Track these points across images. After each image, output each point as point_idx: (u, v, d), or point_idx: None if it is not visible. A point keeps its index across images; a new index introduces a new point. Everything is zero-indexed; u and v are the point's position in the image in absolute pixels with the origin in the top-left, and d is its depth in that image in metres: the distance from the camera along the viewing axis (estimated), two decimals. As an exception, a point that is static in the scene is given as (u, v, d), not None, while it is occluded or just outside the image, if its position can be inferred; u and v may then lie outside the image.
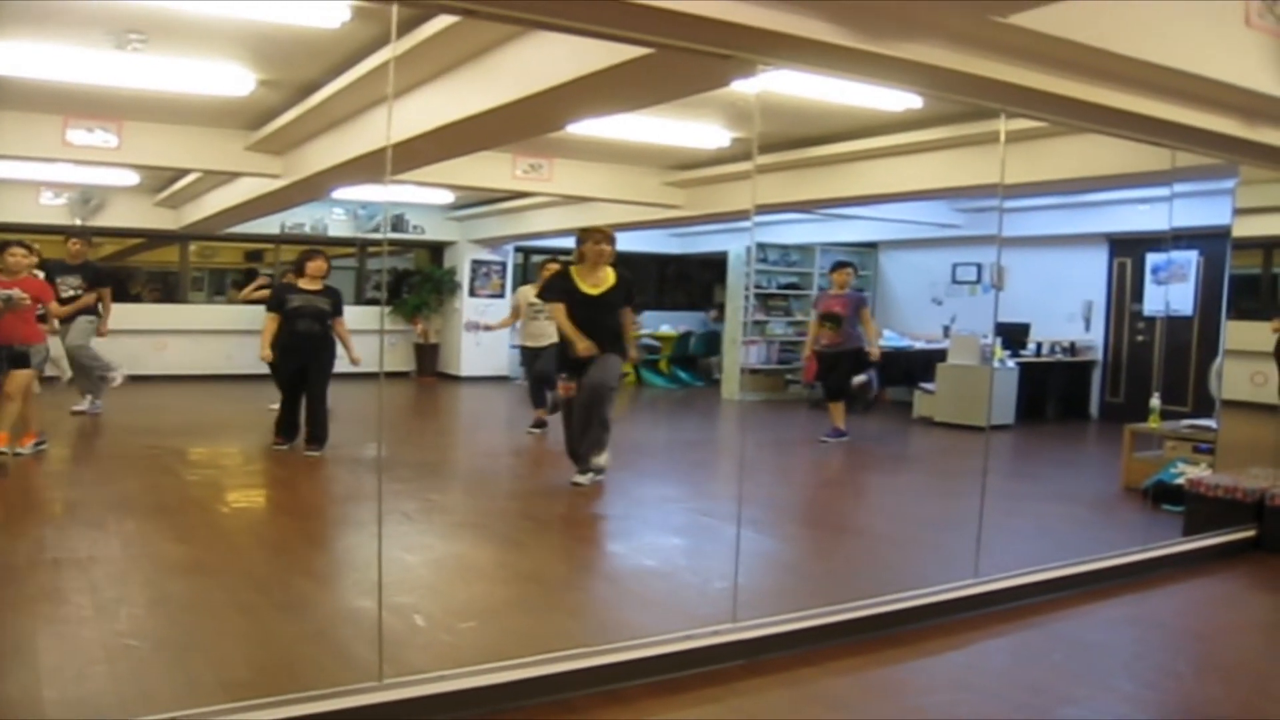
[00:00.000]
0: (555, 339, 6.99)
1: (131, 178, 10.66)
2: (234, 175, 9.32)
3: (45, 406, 7.61)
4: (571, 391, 6.46)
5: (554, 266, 7.99)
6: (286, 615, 4.10)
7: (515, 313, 9.21)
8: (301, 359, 7.48)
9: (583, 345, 6.27)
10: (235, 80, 6.23)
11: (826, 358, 9.17)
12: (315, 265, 7.61)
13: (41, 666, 3.36)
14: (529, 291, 8.78)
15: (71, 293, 8.69)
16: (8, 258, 6.85)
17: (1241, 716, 3.41)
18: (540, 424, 8.93)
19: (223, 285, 15.41)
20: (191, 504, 6.18)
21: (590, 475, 6.50)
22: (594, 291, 6.43)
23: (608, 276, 6.49)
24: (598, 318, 6.41)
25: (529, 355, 9.01)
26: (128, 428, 9.05)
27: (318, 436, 7.54)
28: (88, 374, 8.97)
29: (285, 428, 7.69)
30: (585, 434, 6.47)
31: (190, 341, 13.18)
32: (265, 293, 9.45)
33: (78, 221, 12.09)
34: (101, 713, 2.95)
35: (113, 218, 12.64)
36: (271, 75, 6.31)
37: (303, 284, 7.60)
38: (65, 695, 3.13)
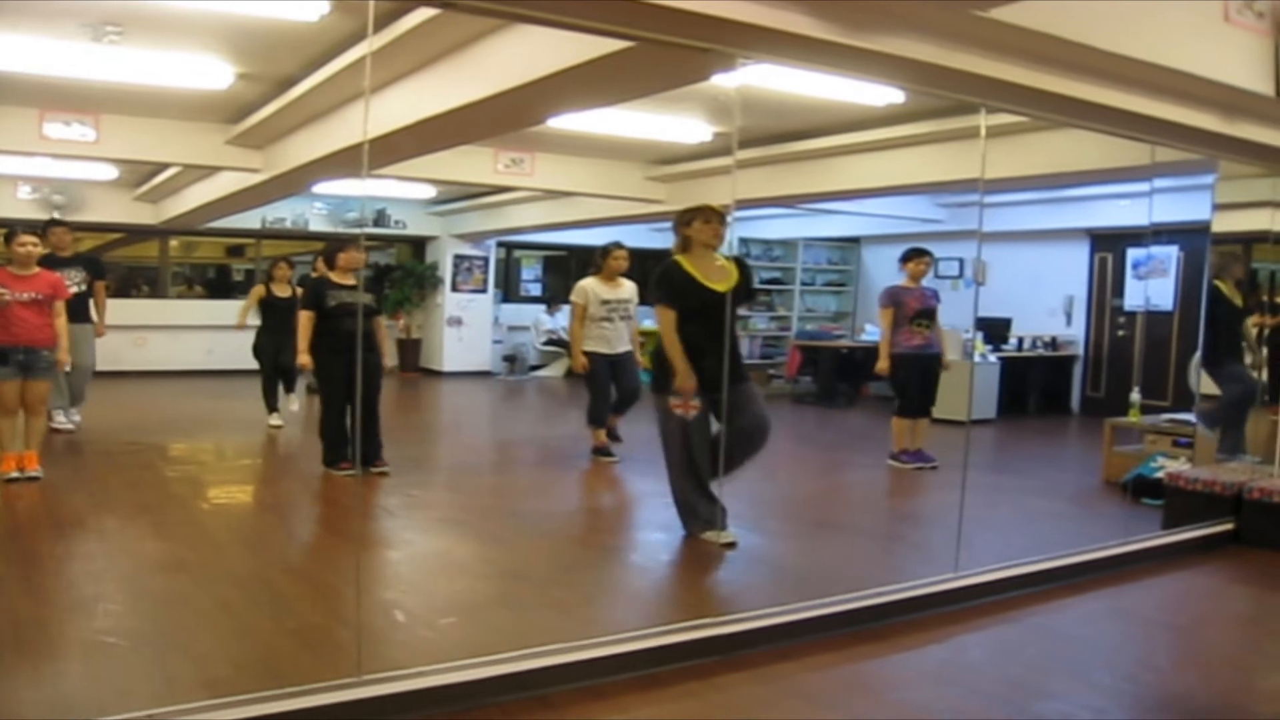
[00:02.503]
0: (629, 346, 5.69)
1: (110, 172, 10.60)
2: (214, 169, 9.28)
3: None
4: (695, 411, 4.97)
5: (622, 254, 7.25)
6: (266, 612, 4.07)
7: (579, 315, 7.21)
8: (351, 360, 6.39)
9: (685, 378, 4.89)
10: (213, 73, 6.19)
11: (912, 361, 7.51)
12: (348, 256, 6.76)
13: (18, 665, 3.34)
14: (597, 287, 7.25)
15: (74, 288, 7.91)
16: (16, 248, 6.15)
17: (1220, 709, 3.43)
18: (607, 451, 7.36)
19: (210, 281, 15.37)
20: (171, 501, 6.14)
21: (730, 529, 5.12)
22: (722, 288, 4.94)
23: (729, 267, 5.07)
24: (720, 324, 4.88)
25: (600, 363, 7.22)
26: (107, 424, 8.98)
27: (378, 452, 6.69)
28: (86, 377, 8.42)
29: (341, 444, 6.62)
30: (744, 460, 5.12)
31: (170, 337, 13.12)
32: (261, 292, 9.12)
33: (55, 215, 11.99)
34: (79, 711, 2.93)
35: (91, 212, 12.55)
36: (250, 69, 6.27)
37: (336, 278, 6.74)
38: (42, 693, 3.11)
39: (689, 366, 4.88)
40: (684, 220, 5.09)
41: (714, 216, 5.01)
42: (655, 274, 5.12)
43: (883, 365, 7.54)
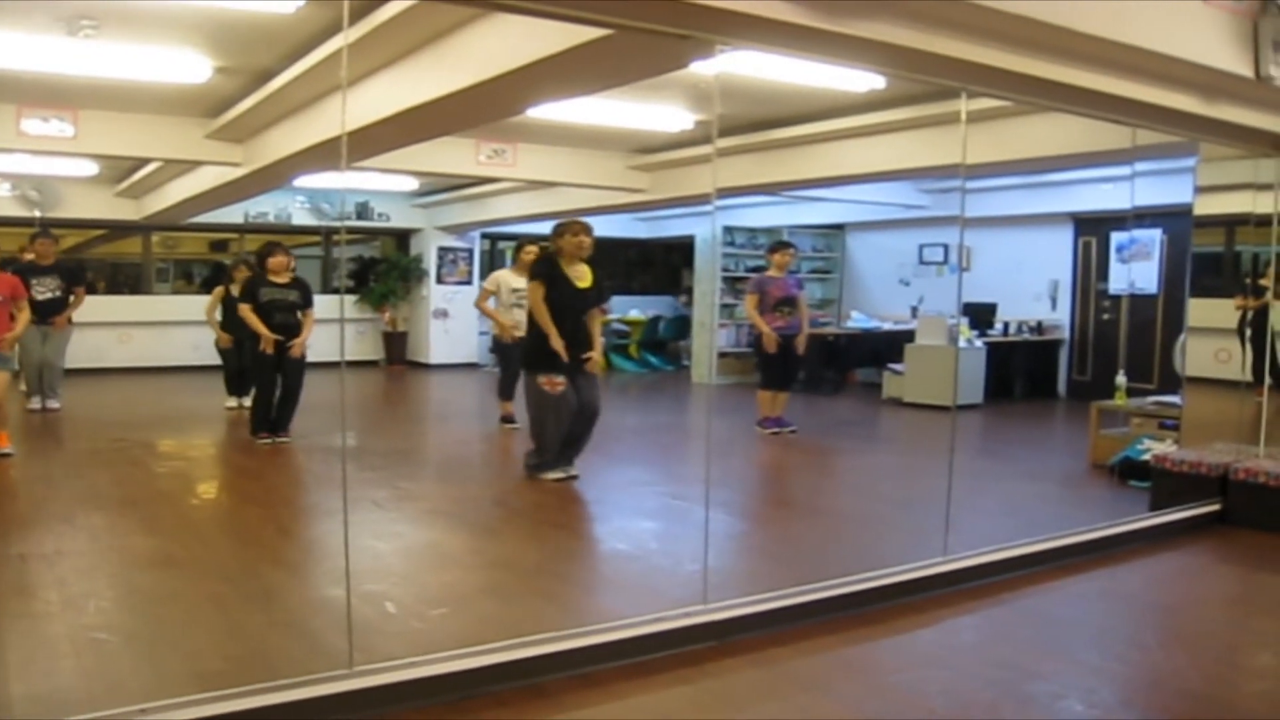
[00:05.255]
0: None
1: (90, 168, 10.53)
2: (194, 164, 9.24)
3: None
4: (561, 388, 6.10)
5: (533, 249, 7.88)
6: (257, 605, 4.07)
7: (484, 296, 8.55)
8: (277, 350, 7.54)
9: (556, 339, 6.01)
10: (191, 67, 6.15)
11: (779, 344, 8.47)
12: (276, 261, 7.64)
13: (9, 662, 3.32)
14: (508, 276, 8.34)
15: (50, 294, 8.56)
16: None
17: (1207, 687, 3.45)
18: (511, 419, 8.51)
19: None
20: (160, 496, 6.12)
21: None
22: (581, 284, 6.22)
23: (588, 272, 6.28)
24: (579, 314, 6.22)
25: (507, 346, 8.26)
26: (94, 420, 8.96)
27: (284, 425, 7.72)
28: (56, 373, 9.00)
29: (264, 421, 7.72)
30: (583, 439, 6.40)
31: (154, 333, 13.06)
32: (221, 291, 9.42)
33: (37, 214, 11.93)
34: (70, 707, 2.91)
35: (73, 209, 12.48)
36: (228, 62, 6.24)
37: (270, 277, 7.61)
38: (33, 690, 3.10)
39: (558, 332, 6.03)
40: (558, 233, 6.30)
41: (581, 231, 6.22)
42: (534, 263, 6.60)
43: (770, 337, 8.40)
